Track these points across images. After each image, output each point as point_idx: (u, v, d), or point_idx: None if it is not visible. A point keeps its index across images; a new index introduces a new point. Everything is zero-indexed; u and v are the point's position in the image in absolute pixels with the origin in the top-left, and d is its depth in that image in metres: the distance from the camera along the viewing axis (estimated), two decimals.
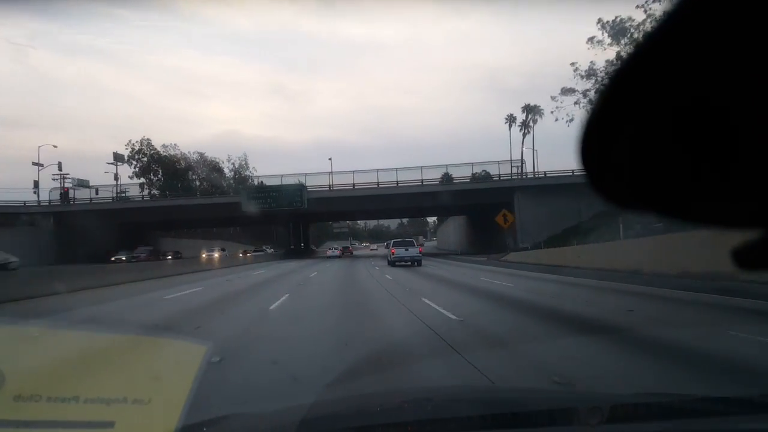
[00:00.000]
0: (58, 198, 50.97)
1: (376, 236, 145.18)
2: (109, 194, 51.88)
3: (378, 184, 47.61)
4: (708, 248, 12.46)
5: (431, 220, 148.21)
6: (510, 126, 76.80)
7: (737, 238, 0.64)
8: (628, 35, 34.40)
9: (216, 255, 42.91)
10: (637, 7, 32.26)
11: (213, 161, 74.39)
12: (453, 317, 8.76)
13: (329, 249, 64.21)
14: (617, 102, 0.59)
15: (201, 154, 74.33)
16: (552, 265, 23.77)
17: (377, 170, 47.79)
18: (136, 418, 1.41)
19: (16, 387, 1.44)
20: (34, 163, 50.82)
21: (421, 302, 11.13)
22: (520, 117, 75.85)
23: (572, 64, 37.07)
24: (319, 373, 5.15)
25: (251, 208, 47.61)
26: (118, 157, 54.90)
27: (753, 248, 0.64)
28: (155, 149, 69.42)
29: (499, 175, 48.03)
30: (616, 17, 34.12)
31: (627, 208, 0.68)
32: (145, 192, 60.33)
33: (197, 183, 73.11)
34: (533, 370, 5.24)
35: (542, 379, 4.81)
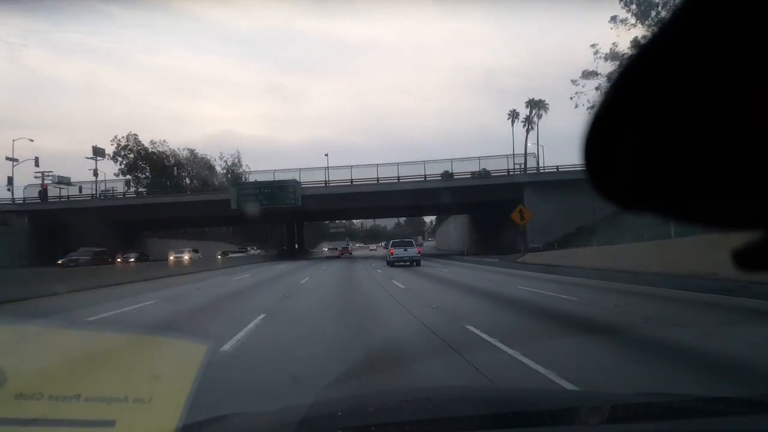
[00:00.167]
0: (37, 196, 46.58)
1: (372, 236, 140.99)
2: (95, 192, 47.60)
3: (378, 180, 43.42)
4: None
5: (428, 220, 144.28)
6: (512, 122, 72.77)
7: (748, 238, 0.63)
8: (654, 13, 30.41)
9: (186, 257, 36.64)
10: None
11: (204, 158, 69.91)
12: (565, 383, 4.45)
13: (328, 249, 60.89)
14: (620, 102, 0.59)
15: (192, 151, 69.98)
16: (585, 267, 19.70)
17: (377, 165, 43.65)
18: (136, 416, 1.39)
19: (18, 385, 1.43)
20: (8, 158, 46.41)
21: (473, 336, 6.86)
22: (523, 113, 71.96)
23: (593, 45, 33.24)
24: None
25: (241, 205, 43.42)
26: (97, 151, 50.28)
27: (754, 249, 0.63)
28: (143, 145, 65.08)
29: (508, 170, 43.90)
30: None
31: (627, 208, 0.67)
32: (132, 190, 55.92)
33: (188, 181, 68.71)
34: None
35: None
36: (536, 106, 68.60)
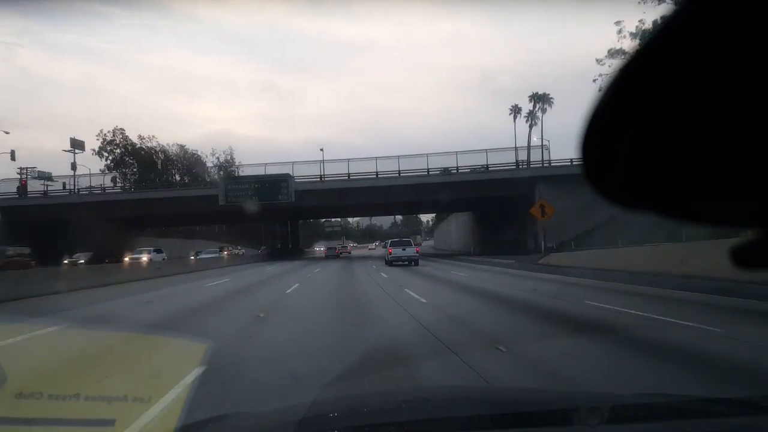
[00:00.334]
0: (15, 191, 42.34)
1: (369, 236, 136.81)
2: (82, 189, 43.25)
3: (377, 174, 39.38)
4: None
5: (425, 219, 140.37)
6: (515, 117, 68.96)
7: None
8: None
9: (144, 258, 30.60)
10: None
11: (195, 154, 65.49)
12: None
13: (327, 248, 57.04)
14: (619, 101, 0.58)
15: (182, 147, 65.61)
16: (642, 272, 15.81)
17: (375, 158, 39.65)
18: (136, 416, 1.40)
19: (18, 385, 1.29)
20: None
21: None
22: (525, 108, 68.09)
23: (617, 23, 29.44)
24: None
25: (230, 201, 39.31)
26: (76, 144, 45.83)
27: (753, 248, 0.63)
28: (130, 140, 60.74)
29: (516, 162, 39.97)
30: None
31: (627, 207, 0.66)
32: (117, 187, 51.60)
33: (177, 178, 64.35)
34: None
35: None
36: (540, 100, 64.84)
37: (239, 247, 58.78)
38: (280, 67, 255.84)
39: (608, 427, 1.59)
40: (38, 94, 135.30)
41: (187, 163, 64.91)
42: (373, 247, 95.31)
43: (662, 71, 0.52)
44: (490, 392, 3.15)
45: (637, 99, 0.56)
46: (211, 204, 39.37)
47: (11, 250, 27.49)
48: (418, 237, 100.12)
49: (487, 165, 38.82)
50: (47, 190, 42.19)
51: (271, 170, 40.54)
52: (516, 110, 68.54)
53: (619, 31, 29.92)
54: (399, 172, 39.22)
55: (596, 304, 9.49)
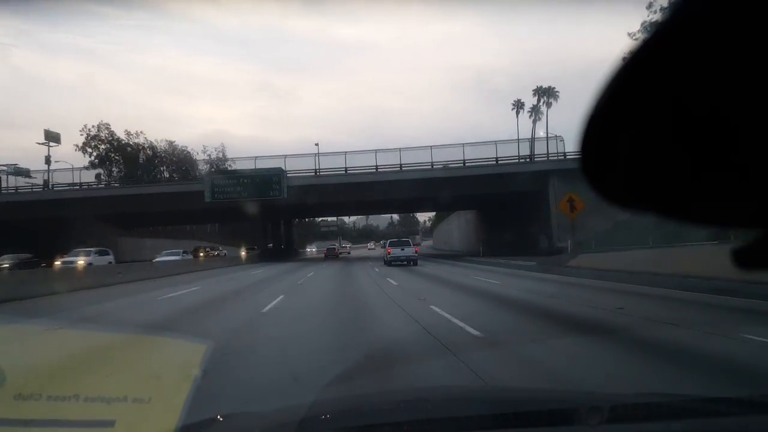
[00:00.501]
0: None
1: (365, 236, 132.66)
2: (58, 185, 39.10)
3: (376, 168, 35.45)
4: None
5: (422, 219, 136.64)
6: (518, 112, 65.22)
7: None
8: None
9: (80, 263, 23.06)
10: None
11: (184, 150, 61.17)
12: None
13: (327, 248, 53.65)
14: (618, 100, 0.57)
15: (170, 143, 61.32)
16: (704, 276, 12.03)
17: (375, 150, 35.69)
18: (136, 416, 1.32)
19: (17, 385, 1.39)
20: None
21: None
22: (529, 103, 64.34)
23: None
24: None
25: (217, 198, 35.31)
26: (50, 136, 41.52)
27: (754, 248, 0.62)
28: (116, 136, 56.46)
29: (530, 155, 36.16)
30: None
31: (626, 207, 0.65)
32: (102, 185, 47.39)
33: (166, 175, 60.09)
34: None
35: None
36: (545, 93, 61.08)
37: (220, 248, 53.95)
38: (275, 67, 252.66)
39: (608, 427, 1.56)
40: (34, 95, 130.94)
41: (177, 159, 60.70)
42: (373, 246, 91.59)
43: (661, 70, 0.51)
44: (490, 392, 3.04)
45: (637, 98, 0.54)
46: (198, 201, 35.39)
47: None
48: (417, 237, 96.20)
49: (497, 158, 34.94)
50: (17, 186, 38.01)
51: (263, 165, 36.58)
52: (519, 105, 64.86)
53: (649, 6, 26.25)
54: (401, 166, 35.34)
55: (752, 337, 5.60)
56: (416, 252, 30.39)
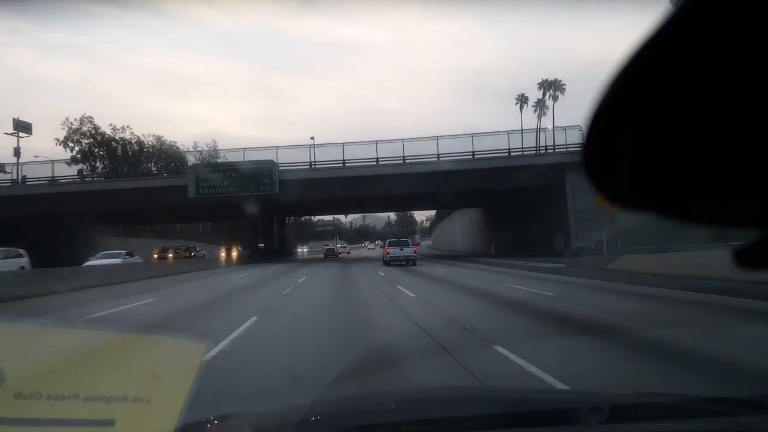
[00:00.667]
0: None
1: (362, 236, 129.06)
2: (17, 178, 35.35)
3: (377, 161, 31.89)
4: None
5: (420, 219, 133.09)
6: (521, 107, 61.76)
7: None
8: None
9: None
10: None
11: (173, 145, 57.36)
12: None
13: (326, 249, 50.32)
14: (621, 100, 0.57)
15: (158, 138, 57.52)
16: None
17: (376, 141, 32.10)
18: (136, 416, 1.31)
19: (17, 385, 1.34)
20: None
21: None
22: (533, 98, 60.96)
23: None
24: None
25: (201, 194, 31.67)
26: (21, 125, 37.63)
27: (755, 248, 0.62)
28: (100, 130, 52.58)
29: (545, 147, 32.68)
30: None
31: (628, 207, 0.65)
32: (85, 180, 43.62)
33: (155, 171, 56.31)
34: None
35: None
36: (551, 87, 57.68)
37: (197, 248, 49.72)
38: (272, 67, 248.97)
39: (608, 427, 1.54)
40: (29, 94, 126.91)
41: (165, 155, 56.93)
42: (372, 246, 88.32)
43: (663, 70, 0.50)
44: (490, 392, 2.97)
45: (639, 98, 0.54)
46: (183, 198, 31.71)
47: None
48: (416, 237, 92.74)
49: (509, 149, 31.46)
50: None
51: (253, 157, 32.92)
52: (522, 100, 61.40)
53: None
54: (404, 158, 31.76)
55: None
56: (415, 252, 29.62)
